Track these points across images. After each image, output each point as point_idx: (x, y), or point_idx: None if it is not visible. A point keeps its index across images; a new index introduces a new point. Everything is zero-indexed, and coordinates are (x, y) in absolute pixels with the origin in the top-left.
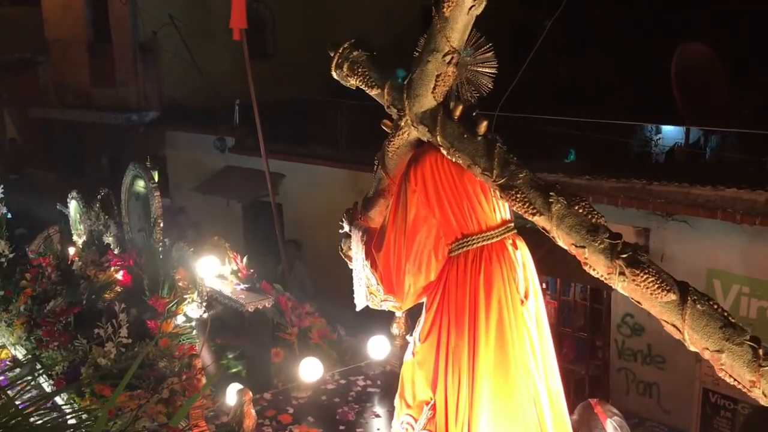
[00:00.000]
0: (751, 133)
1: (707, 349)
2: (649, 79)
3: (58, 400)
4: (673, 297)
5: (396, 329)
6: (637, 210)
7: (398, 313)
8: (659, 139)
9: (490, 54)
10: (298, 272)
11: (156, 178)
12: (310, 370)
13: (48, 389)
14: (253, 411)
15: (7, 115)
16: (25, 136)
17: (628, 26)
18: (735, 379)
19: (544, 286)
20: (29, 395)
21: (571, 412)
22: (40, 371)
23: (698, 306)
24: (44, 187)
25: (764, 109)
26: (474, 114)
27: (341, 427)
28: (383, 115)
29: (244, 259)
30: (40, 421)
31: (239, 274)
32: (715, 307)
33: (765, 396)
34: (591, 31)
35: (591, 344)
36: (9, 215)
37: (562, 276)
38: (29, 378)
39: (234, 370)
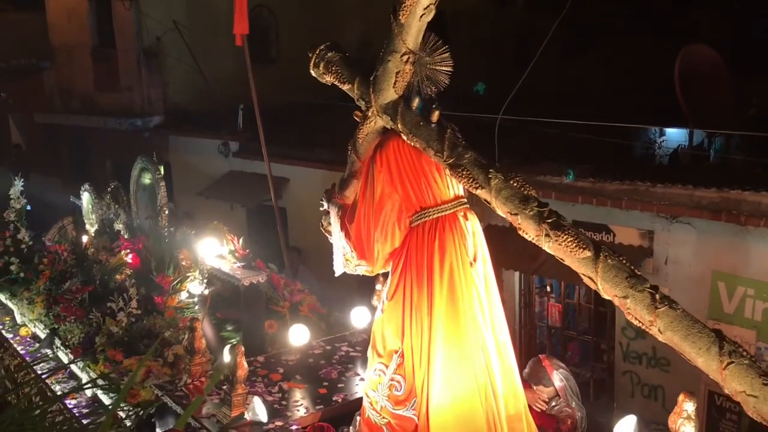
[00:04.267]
0: (755, 135)
1: (616, 296)
2: (653, 81)
3: (75, 368)
4: (588, 253)
5: (377, 301)
6: (641, 212)
7: (378, 286)
8: (663, 141)
9: (446, 54)
10: (302, 277)
11: (162, 171)
12: (298, 335)
13: (66, 360)
14: (245, 362)
15: (12, 120)
16: (30, 142)
17: (631, 28)
18: (638, 320)
19: (548, 288)
20: (48, 366)
21: (523, 367)
22: (58, 344)
23: (609, 261)
24: (49, 192)
25: None
26: (433, 106)
27: (325, 383)
28: None
29: (241, 240)
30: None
31: (236, 254)
32: (624, 261)
33: (660, 332)
34: (594, 34)
35: (596, 347)
36: (29, 207)
37: (566, 279)
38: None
39: (232, 340)
